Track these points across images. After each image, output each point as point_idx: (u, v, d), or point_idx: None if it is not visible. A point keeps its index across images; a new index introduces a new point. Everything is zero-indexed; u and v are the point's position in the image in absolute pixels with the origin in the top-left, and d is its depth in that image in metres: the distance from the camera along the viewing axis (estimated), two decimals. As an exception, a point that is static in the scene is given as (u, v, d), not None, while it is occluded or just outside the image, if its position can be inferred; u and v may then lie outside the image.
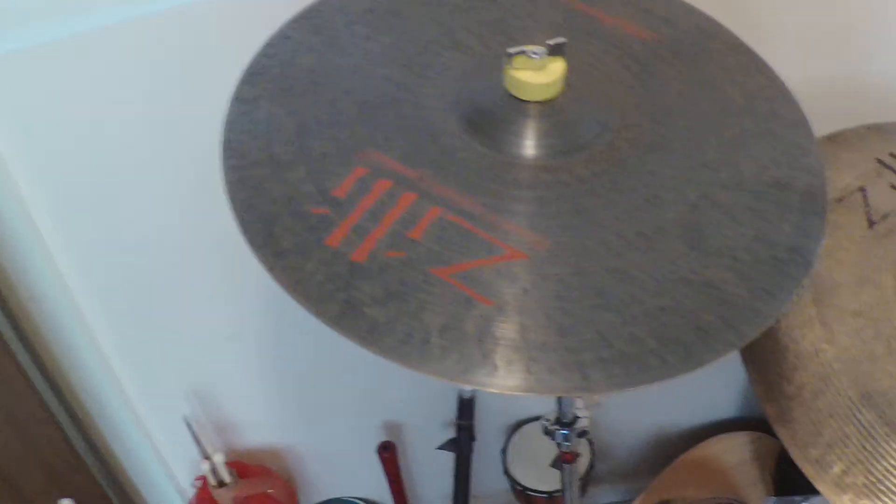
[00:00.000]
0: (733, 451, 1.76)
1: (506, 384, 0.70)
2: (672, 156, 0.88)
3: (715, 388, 1.81)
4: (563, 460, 1.23)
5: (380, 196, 0.80)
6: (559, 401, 1.16)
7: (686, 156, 0.88)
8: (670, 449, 1.79)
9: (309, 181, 0.81)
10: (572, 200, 0.83)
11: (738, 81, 0.97)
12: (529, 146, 0.86)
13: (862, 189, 1.15)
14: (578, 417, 1.20)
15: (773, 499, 1.66)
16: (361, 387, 1.64)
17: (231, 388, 1.60)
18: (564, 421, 1.19)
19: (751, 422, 1.81)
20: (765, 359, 1.05)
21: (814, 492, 1.56)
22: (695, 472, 1.75)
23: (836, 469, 0.97)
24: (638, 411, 1.78)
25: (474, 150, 0.86)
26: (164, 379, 1.56)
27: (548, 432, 1.21)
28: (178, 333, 1.49)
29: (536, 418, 1.72)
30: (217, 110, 0.88)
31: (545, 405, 1.51)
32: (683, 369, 0.71)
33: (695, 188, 0.85)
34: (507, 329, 0.72)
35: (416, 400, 1.67)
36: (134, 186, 1.26)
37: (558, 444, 1.22)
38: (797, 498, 1.61)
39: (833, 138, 1.23)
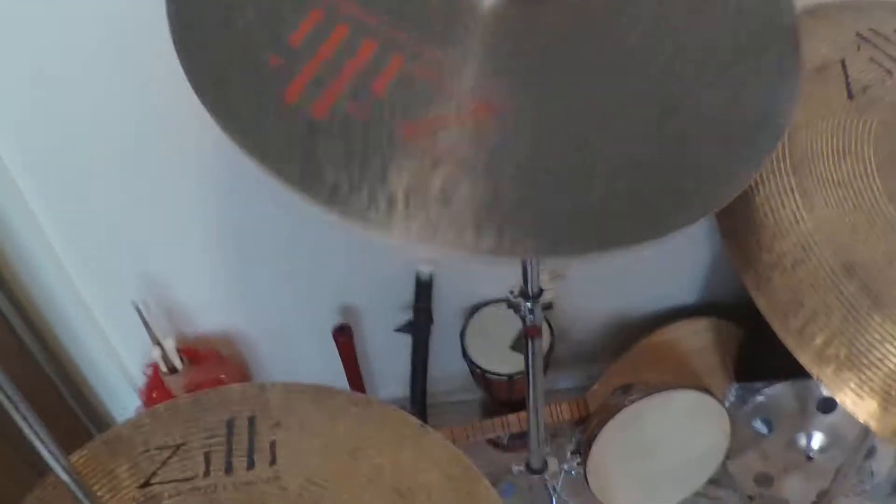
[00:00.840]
0: (694, 336, 1.75)
1: (478, 246, 0.66)
2: (641, 17, 0.83)
3: (676, 272, 1.79)
4: (527, 335, 1.19)
5: (339, 44, 0.74)
6: (524, 273, 1.13)
7: (656, 18, 0.83)
8: (630, 334, 1.78)
9: (261, 27, 0.75)
10: (542, 56, 0.78)
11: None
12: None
13: (841, 61, 1.12)
14: (544, 290, 1.16)
15: (737, 385, 1.66)
16: (316, 268, 1.59)
17: (182, 271, 1.55)
18: (530, 293, 1.15)
19: (712, 308, 1.79)
20: (742, 227, 1.02)
21: (776, 379, 1.57)
22: (655, 357, 1.74)
23: (818, 341, 0.94)
24: (598, 295, 1.76)
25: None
26: (111, 263, 1.50)
27: (512, 305, 1.18)
28: (124, 216, 1.44)
29: (494, 301, 1.68)
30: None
31: (503, 286, 1.47)
32: (659, 232, 0.69)
33: (666, 51, 0.81)
34: (476, 190, 0.68)
35: (372, 282, 1.63)
36: (79, 56, 1.19)
37: (523, 318, 1.18)
38: (759, 384, 1.61)
39: (812, 12, 1.18)
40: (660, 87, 0.77)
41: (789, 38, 0.85)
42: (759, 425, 1.69)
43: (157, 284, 1.54)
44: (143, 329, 1.49)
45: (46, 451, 0.69)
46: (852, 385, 0.92)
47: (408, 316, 1.64)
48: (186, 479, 0.88)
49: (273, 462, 0.90)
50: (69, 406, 1.61)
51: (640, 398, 1.55)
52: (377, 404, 0.93)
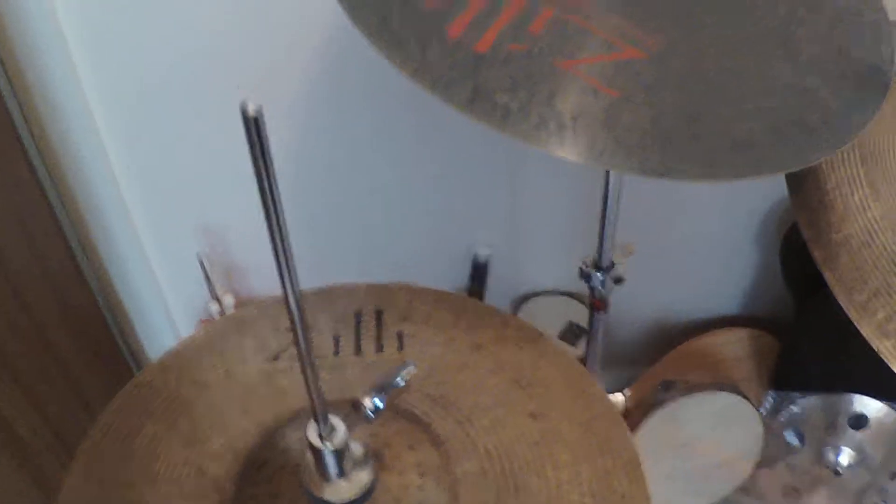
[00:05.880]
0: (734, 344, 1.88)
1: (642, 167, 0.80)
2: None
3: (721, 282, 1.94)
4: (593, 307, 1.34)
5: None
6: (600, 243, 1.27)
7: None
8: (671, 340, 1.91)
9: None
10: (679, 4, 0.95)
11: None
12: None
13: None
14: (615, 264, 1.31)
15: (773, 392, 1.79)
16: (375, 243, 1.74)
17: (242, 229, 1.68)
18: (602, 265, 1.29)
19: (752, 319, 1.94)
20: (815, 207, 1.17)
21: (810, 391, 1.71)
22: (695, 362, 1.86)
23: (880, 315, 1.08)
24: (644, 298, 1.88)
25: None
26: (176, 215, 1.64)
27: (584, 275, 1.31)
28: (194, 167, 1.57)
29: (545, 292, 1.84)
30: None
31: (556, 277, 1.63)
32: (797, 163, 0.84)
33: (783, 3, 0.98)
34: (637, 117, 0.82)
35: (429, 260, 1.77)
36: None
37: (592, 289, 1.32)
38: (795, 394, 1.76)
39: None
40: (782, 35, 0.94)
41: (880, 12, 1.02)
42: (791, 437, 1.81)
43: (217, 242, 1.68)
44: (196, 286, 1.62)
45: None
46: (910, 358, 1.07)
47: (460, 297, 1.79)
48: (316, 356, 1.01)
49: (401, 348, 1.03)
50: (122, 355, 1.76)
51: (682, 395, 1.70)
52: (496, 311, 1.08)
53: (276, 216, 0.65)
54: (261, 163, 0.61)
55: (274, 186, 0.63)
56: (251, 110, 0.56)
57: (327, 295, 1.10)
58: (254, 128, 0.58)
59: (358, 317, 1.08)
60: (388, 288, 1.11)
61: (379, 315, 1.08)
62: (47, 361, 1.45)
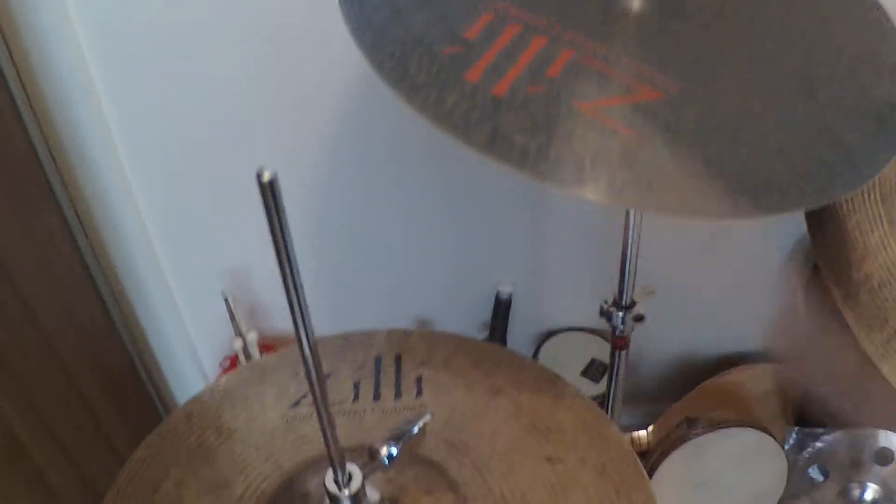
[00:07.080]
0: (758, 380, 1.88)
1: (662, 205, 0.80)
2: (771, 25, 1.01)
3: (743, 318, 1.93)
4: (614, 347, 1.34)
5: (511, 39, 0.89)
6: (621, 281, 1.28)
7: (786, 27, 1.01)
8: (694, 376, 1.90)
9: (437, 24, 0.90)
10: (695, 49, 0.95)
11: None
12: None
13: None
14: (636, 302, 1.31)
15: (797, 429, 1.78)
16: (397, 282, 1.76)
17: (266, 270, 1.68)
18: (623, 304, 1.30)
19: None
20: (835, 247, 1.17)
21: (834, 427, 1.70)
22: (718, 398, 1.86)
23: (901, 354, 1.09)
24: (668, 334, 1.90)
25: (594, 3, 0.97)
26: (201, 255, 1.67)
27: (604, 314, 1.32)
28: (219, 209, 1.61)
29: (568, 329, 1.84)
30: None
31: (578, 314, 1.63)
32: (818, 200, 0.84)
33: (800, 49, 0.98)
34: (655, 157, 0.82)
35: (452, 299, 1.79)
36: (195, 50, 1.37)
37: (613, 328, 1.33)
38: (819, 430, 1.75)
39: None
40: (800, 77, 0.94)
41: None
42: (814, 472, 1.79)
43: (241, 281, 1.70)
44: (221, 324, 1.64)
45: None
46: (929, 396, 1.08)
47: (483, 334, 1.80)
48: (336, 403, 1.02)
49: (419, 394, 1.04)
50: (147, 390, 1.77)
51: (705, 432, 1.69)
52: (514, 355, 1.08)
53: (294, 279, 0.66)
54: (276, 225, 0.61)
55: (290, 249, 0.64)
56: (266, 176, 0.57)
57: (348, 341, 1.11)
58: (269, 193, 0.59)
59: (377, 362, 1.09)
60: (407, 334, 1.11)
61: (398, 360, 1.09)
62: (76, 404, 1.46)
